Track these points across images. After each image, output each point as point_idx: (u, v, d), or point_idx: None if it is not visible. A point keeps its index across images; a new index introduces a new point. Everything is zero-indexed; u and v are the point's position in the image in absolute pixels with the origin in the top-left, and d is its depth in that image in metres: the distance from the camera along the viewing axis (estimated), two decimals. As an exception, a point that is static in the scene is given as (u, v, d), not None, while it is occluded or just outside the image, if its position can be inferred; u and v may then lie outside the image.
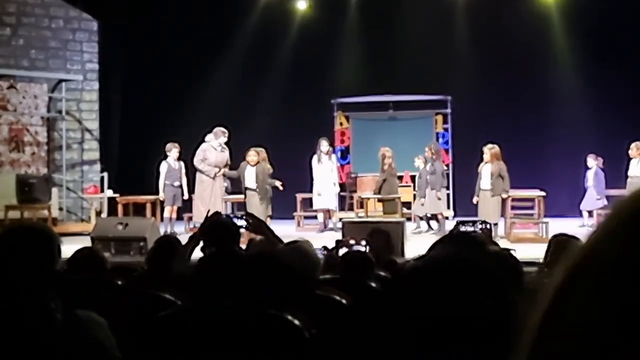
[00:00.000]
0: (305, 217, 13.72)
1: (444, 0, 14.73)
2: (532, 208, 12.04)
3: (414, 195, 13.11)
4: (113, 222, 10.64)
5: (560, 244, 4.57)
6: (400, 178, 13.53)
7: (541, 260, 5.12)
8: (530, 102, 14.56)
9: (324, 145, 12.87)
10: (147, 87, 14.89)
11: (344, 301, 3.47)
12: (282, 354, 2.61)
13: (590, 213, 12.85)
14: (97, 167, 14.56)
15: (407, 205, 13.30)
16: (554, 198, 12.47)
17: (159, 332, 2.78)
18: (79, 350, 2.14)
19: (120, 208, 12.54)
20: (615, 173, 12.23)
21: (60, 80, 14.16)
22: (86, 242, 8.48)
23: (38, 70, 14.02)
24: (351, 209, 14.21)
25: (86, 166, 14.67)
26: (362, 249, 6.51)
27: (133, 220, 10.73)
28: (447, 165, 14.84)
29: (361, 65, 15.32)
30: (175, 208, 12.48)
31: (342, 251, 5.74)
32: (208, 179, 12.17)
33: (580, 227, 11.90)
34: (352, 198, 14.35)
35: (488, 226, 9.36)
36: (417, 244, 9.74)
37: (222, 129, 12.27)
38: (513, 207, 11.69)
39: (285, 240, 4.18)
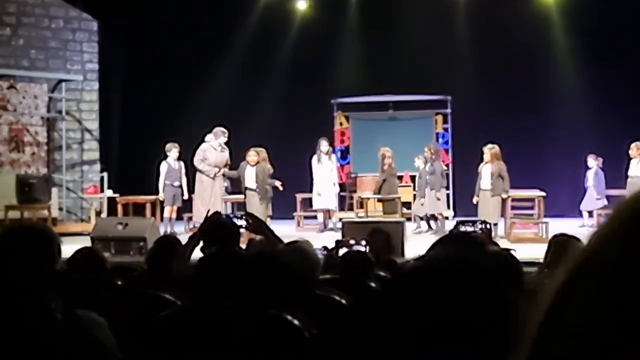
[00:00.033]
0: (305, 217, 13.72)
1: (444, 0, 14.73)
2: (532, 208, 12.04)
3: (414, 195, 13.11)
4: (113, 222, 10.64)
5: (560, 244, 4.58)
6: (400, 178, 13.53)
7: (541, 261, 5.12)
8: (530, 102, 14.56)
9: (323, 145, 12.87)
10: (147, 87, 14.89)
11: (343, 301, 3.47)
12: (282, 354, 2.61)
13: (590, 213, 12.85)
14: (97, 167, 14.56)
15: (407, 205, 13.30)
16: (554, 198, 12.47)
17: (159, 332, 2.78)
18: (79, 350, 2.14)
19: (120, 208, 12.54)
20: (616, 173, 12.23)
21: (60, 80, 14.16)
22: (86, 242, 8.48)
23: (38, 70, 14.03)
24: (351, 209, 14.21)
25: (86, 166, 14.67)
26: (362, 249, 6.50)
27: (133, 220, 10.73)
28: (447, 165, 14.84)
29: (361, 65, 15.32)
30: (175, 208, 12.48)
31: (342, 251, 5.74)
32: (208, 179, 12.17)
33: (580, 227, 11.90)
34: (352, 198, 14.35)
35: (488, 226, 9.36)
36: (417, 244, 9.74)
37: (222, 129, 12.27)
38: (513, 207, 11.69)
39: (285, 241, 4.18)
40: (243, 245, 5.06)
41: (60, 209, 13.95)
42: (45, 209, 12.07)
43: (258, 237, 5.03)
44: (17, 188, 11.96)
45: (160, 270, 4.19)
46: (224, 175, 12.29)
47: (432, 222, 12.30)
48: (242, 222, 4.84)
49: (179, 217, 12.85)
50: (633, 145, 11.73)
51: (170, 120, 14.38)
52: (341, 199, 14.26)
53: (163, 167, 12.45)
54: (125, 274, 4.67)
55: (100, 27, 14.69)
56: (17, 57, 13.97)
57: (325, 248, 6.43)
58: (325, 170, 12.84)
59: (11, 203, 11.87)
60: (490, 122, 13.93)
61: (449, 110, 15.23)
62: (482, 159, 11.59)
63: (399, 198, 12.20)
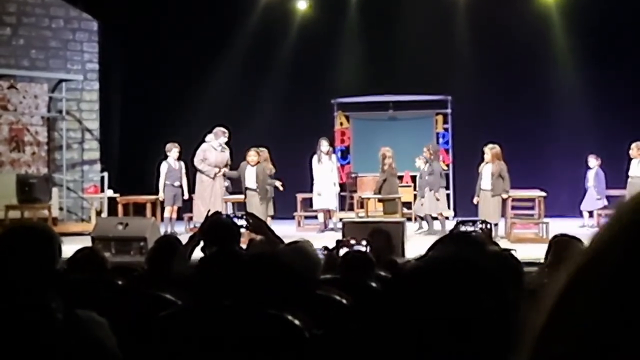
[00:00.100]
0: (306, 217, 13.73)
1: (444, 0, 14.73)
2: (532, 208, 12.04)
3: (415, 195, 13.12)
4: (113, 222, 10.65)
5: (560, 244, 4.57)
6: (401, 178, 13.53)
7: (542, 261, 5.12)
8: (530, 102, 14.56)
9: (324, 145, 12.87)
10: (147, 87, 14.90)
11: (344, 301, 3.48)
12: (282, 354, 2.61)
13: (590, 213, 12.85)
14: (98, 167, 14.56)
15: (408, 205, 13.30)
16: (554, 198, 12.47)
17: (159, 332, 2.78)
18: (80, 350, 2.14)
19: (120, 208, 12.54)
20: (616, 173, 12.23)
21: (61, 80, 14.17)
22: (86, 242, 8.48)
23: (38, 70, 14.03)
24: (351, 209, 14.21)
25: (86, 166, 14.68)
26: (363, 249, 6.50)
27: (133, 220, 10.74)
28: (448, 166, 14.85)
29: (361, 65, 15.32)
30: (175, 208, 12.49)
31: (343, 251, 5.73)
32: (208, 179, 12.17)
33: (580, 228, 11.89)
34: (352, 198, 14.35)
35: (488, 226, 9.36)
36: (417, 244, 9.74)
37: (222, 129, 12.28)
38: (513, 207, 11.69)
39: (286, 241, 4.18)
40: (244, 245, 5.06)
41: (61, 208, 13.95)
42: (45, 208, 12.08)
43: (258, 237, 5.03)
44: (18, 188, 11.97)
45: (161, 270, 4.19)
46: (224, 175, 12.30)
47: (429, 222, 12.27)
48: (243, 222, 4.83)
49: (180, 217, 12.86)
50: (633, 145, 11.73)
51: (170, 120, 14.38)
52: (341, 199, 14.27)
53: (163, 167, 12.46)
54: (125, 273, 4.67)
55: (101, 27, 14.69)
56: (17, 57, 13.98)
57: (325, 248, 6.42)
58: (325, 170, 12.84)
59: (11, 203, 11.88)
60: (491, 122, 13.93)
61: (449, 110, 15.22)
62: (482, 159, 11.59)
63: (399, 198, 12.20)
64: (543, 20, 14.66)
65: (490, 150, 11.40)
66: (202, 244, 4.18)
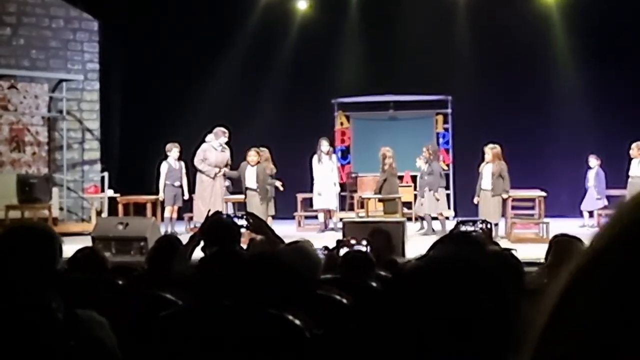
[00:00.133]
0: (306, 217, 13.73)
1: (444, 0, 14.73)
2: (532, 208, 12.04)
3: (415, 196, 13.12)
4: (113, 222, 10.65)
5: (561, 244, 4.57)
6: (401, 178, 13.53)
7: (542, 261, 5.12)
8: (530, 102, 14.56)
9: (324, 145, 12.88)
10: (147, 87, 14.90)
11: (344, 301, 3.48)
12: (283, 354, 2.61)
13: (590, 213, 12.85)
14: (98, 167, 14.56)
15: (408, 205, 13.30)
16: (554, 198, 12.47)
17: (159, 332, 2.78)
18: (80, 349, 2.15)
19: (120, 208, 12.54)
20: (616, 173, 12.23)
21: (61, 80, 14.17)
22: (87, 241, 8.48)
23: (39, 70, 14.03)
24: (352, 209, 14.21)
25: (87, 166, 14.68)
26: (363, 248, 6.50)
27: (133, 220, 10.75)
28: (448, 165, 14.85)
29: (362, 65, 15.32)
30: (175, 208, 12.49)
31: (343, 251, 5.74)
32: (208, 179, 12.18)
33: (580, 228, 11.89)
34: (352, 198, 14.35)
35: (488, 226, 9.35)
36: (417, 243, 9.75)
37: (223, 129, 12.28)
38: (514, 207, 11.69)
39: (286, 241, 4.18)
40: (244, 245, 5.06)
41: (61, 208, 13.95)
42: (45, 208, 12.08)
43: (259, 237, 5.04)
44: (18, 188, 11.97)
45: (161, 270, 4.19)
46: (224, 175, 12.30)
47: (427, 222, 12.25)
48: (243, 222, 4.84)
49: (180, 217, 12.86)
50: (634, 145, 11.74)
51: (170, 120, 14.38)
52: (342, 199, 14.27)
53: (163, 167, 12.46)
54: (126, 273, 4.67)
55: (101, 27, 14.69)
56: (17, 57, 13.98)
57: (326, 248, 6.43)
58: (325, 170, 12.84)
59: (12, 203, 11.88)
60: (491, 122, 13.93)
61: (449, 110, 15.22)
62: (483, 159, 11.59)
63: (400, 198, 12.20)
64: (543, 20, 14.66)
65: (491, 150, 11.40)
66: (202, 243, 4.18)
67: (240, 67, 15.10)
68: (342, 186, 14.31)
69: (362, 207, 12.72)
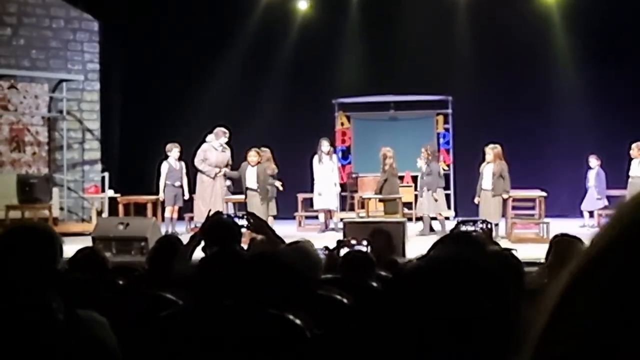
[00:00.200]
0: (307, 217, 13.73)
1: (444, 0, 14.74)
2: (533, 208, 12.04)
3: (415, 196, 13.11)
4: (114, 222, 10.66)
5: (561, 244, 4.57)
6: (401, 178, 13.53)
7: (542, 261, 5.12)
8: (530, 102, 14.56)
9: (324, 145, 12.88)
10: (147, 87, 14.90)
11: (345, 301, 3.48)
12: (283, 354, 2.61)
13: (591, 213, 12.85)
14: (98, 167, 14.57)
15: (408, 205, 13.30)
16: (554, 198, 12.47)
17: (160, 332, 2.78)
18: (81, 349, 2.15)
19: (121, 208, 12.54)
20: (616, 173, 12.23)
21: (61, 80, 14.17)
22: (87, 242, 8.49)
23: (39, 70, 14.04)
24: (352, 209, 14.21)
25: (87, 166, 14.68)
26: (363, 249, 6.50)
27: (134, 220, 10.76)
28: (448, 166, 14.86)
29: (362, 65, 15.32)
30: (176, 208, 12.50)
31: (344, 251, 5.74)
32: (208, 179, 12.18)
33: (581, 228, 11.89)
34: (353, 198, 14.35)
35: (489, 226, 9.35)
36: (418, 244, 9.75)
37: (223, 129, 12.29)
38: (514, 207, 11.69)
39: (287, 241, 4.18)
40: (244, 245, 5.06)
41: (61, 208, 13.96)
42: (46, 208, 12.09)
43: (259, 237, 5.04)
44: (18, 188, 11.97)
45: (162, 270, 4.19)
46: (224, 175, 12.31)
47: (424, 222, 12.24)
48: (244, 222, 4.84)
49: (181, 217, 12.86)
50: (634, 145, 11.74)
51: (171, 120, 14.38)
52: (342, 199, 14.27)
53: (164, 167, 12.46)
54: (126, 273, 4.67)
55: (101, 27, 14.70)
56: (18, 57, 13.98)
57: (326, 248, 6.42)
58: (326, 171, 12.85)
59: (12, 203, 11.88)
60: (491, 122, 13.93)
61: (450, 111, 15.22)
62: (483, 159, 11.59)
63: (400, 198, 12.20)
64: (543, 20, 14.66)
65: (492, 150, 11.40)
66: (203, 243, 4.18)
67: (240, 67, 15.10)
68: (343, 186, 14.30)
69: (362, 207, 12.72)
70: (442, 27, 14.76)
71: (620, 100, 13.95)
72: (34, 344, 2.12)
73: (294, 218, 13.50)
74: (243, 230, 4.58)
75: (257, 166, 11.56)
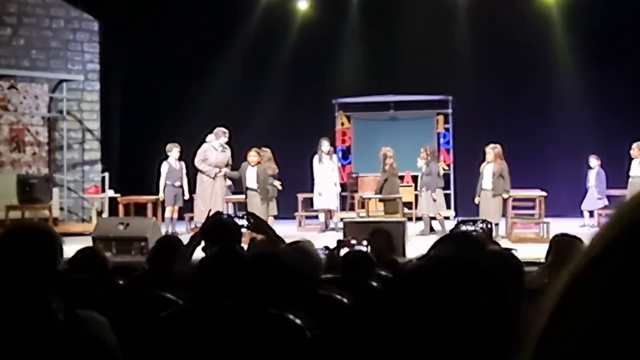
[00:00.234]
0: (307, 217, 13.74)
1: (444, 0, 14.74)
2: (533, 208, 12.04)
3: (416, 195, 13.11)
4: (114, 222, 10.66)
5: (561, 244, 4.57)
6: (402, 178, 13.54)
7: (542, 261, 5.12)
8: (530, 102, 14.56)
9: (325, 145, 12.88)
10: (147, 87, 14.90)
11: (345, 301, 3.48)
12: (283, 354, 2.61)
13: (591, 213, 12.85)
14: (98, 167, 14.57)
15: (408, 205, 13.30)
16: (554, 198, 12.47)
17: (160, 332, 2.78)
18: (81, 349, 2.15)
19: (121, 208, 12.54)
20: (616, 173, 12.23)
21: (61, 81, 14.17)
22: (87, 242, 8.49)
23: (39, 71, 14.04)
24: (352, 209, 14.21)
25: (87, 166, 14.68)
26: (364, 248, 6.51)
27: (134, 220, 10.76)
28: (449, 165, 14.86)
29: (362, 65, 15.32)
30: (176, 208, 12.50)
31: (344, 251, 5.74)
32: (208, 179, 12.18)
33: (581, 227, 11.89)
34: (353, 198, 14.35)
35: (489, 226, 9.35)
36: (418, 243, 9.75)
37: (223, 129, 12.29)
38: (514, 207, 11.69)
39: (287, 240, 4.18)
40: (244, 245, 5.06)
41: (62, 209, 13.96)
42: (46, 209, 12.09)
43: (259, 237, 5.04)
44: (18, 188, 11.97)
45: (162, 270, 4.19)
46: (225, 176, 12.31)
47: (425, 222, 12.24)
48: (244, 222, 4.84)
49: (181, 217, 12.87)
50: (634, 145, 11.74)
51: (171, 120, 14.38)
52: (342, 199, 14.27)
53: (164, 167, 12.46)
54: (126, 273, 4.67)
55: (101, 27, 14.70)
56: (18, 57, 13.98)
57: (326, 248, 6.42)
58: (326, 170, 12.85)
59: (12, 203, 11.88)
60: (491, 122, 13.93)
61: (450, 110, 15.22)
62: (483, 159, 11.59)
63: (400, 198, 12.20)
64: (543, 20, 14.66)
65: (493, 150, 11.40)
66: (203, 244, 4.18)
67: (240, 67, 15.10)
68: (343, 186, 14.31)
69: (362, 207, 12.72)
70: (442, 27, 14.76)
71: (620, 100, 13.95)
72: (34, 344, 2.12)
73: (294, 218, 13.50)
74: (243, 230, 4.58)
75: (257, 166, 11.56)
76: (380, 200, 12.33)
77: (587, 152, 12.96)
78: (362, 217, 12.14)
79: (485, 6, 14.27)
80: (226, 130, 12.29)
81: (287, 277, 2.89)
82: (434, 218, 12.18)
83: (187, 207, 12.73)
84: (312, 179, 13.06)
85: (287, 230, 9.74)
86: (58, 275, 2.33)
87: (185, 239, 4.66)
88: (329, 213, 13.15)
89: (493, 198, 11.26)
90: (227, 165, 12.33)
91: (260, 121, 14.68)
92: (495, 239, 8.30)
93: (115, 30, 14.87)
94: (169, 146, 12.51)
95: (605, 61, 14.00)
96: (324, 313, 3.01)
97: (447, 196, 13.59)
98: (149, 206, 12.32)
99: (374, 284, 4.22)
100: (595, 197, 12.64)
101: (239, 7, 15.00)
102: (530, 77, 14.52)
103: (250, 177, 11.55)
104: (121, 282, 4.24)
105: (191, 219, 12.84)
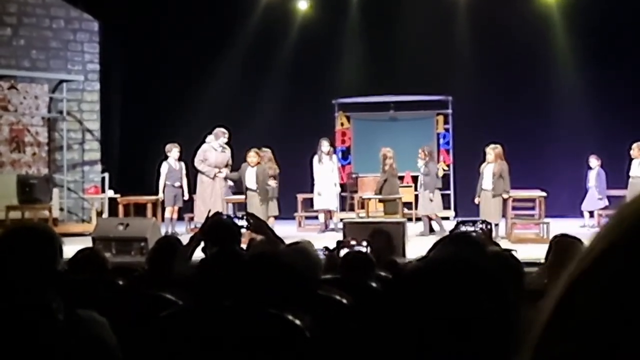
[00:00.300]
0: (307, 218, 13.73)
1: (444, 0, 14.74)
2: (533, 208, 12.03)
3: (416, 196, 13.11)
4: (114, 222, 10.66)
5: (561, 244, 4.57)
6: (401, 178, 13.53)
7: (542, 261, 5.12)
8: (530, 102, 14.56)
9: (324, 145, 12.88)
10: (147, 87, 14.90)
11: (345, 301, 3.48)
12: (283, 354, 2.61)
13: (591, 213, 12.85)
14: (98, 167, 14.56)
15: (408, 205, 13.30)
16: (554, 198, 12.47)
17: (159, 332, 2.78)
18: (80, 349, 2.15)
19: (121, 208, 12.53)
20: (617, 173, 12.23)
21: (61, 81, 14.17)
22: (87, 242, 8.49)
23: (39, 71, 14.04)
24: (352, 209, 14.22)
25: (87, 166, 14.68)
26: (363, 249, 6.50)
27: (134, 221, 10.75)
28: (448, 166, 14.86)
29: (362, 66, 15.33)
30: (176, 208, 12.50)
31: (343, 252, 5.74)
32: (208, 180, 12.18)
33: (581, 228, 11.90)
34: (352, 198, 14.35)
35: (489, 226, 9.34)
36: (418, 244, 9.75)
37: (223, 129, 12.29)
38: (514, 208, 11.68)
39: (287, 241, 4.18)
40: (244, 246, 5.06)
41: (61, 209, 13.95)
42: (46, 209, 12.08)
43: (259, 238, 5.04)
44: (18, 188, 11.97)
45: (162, 271, 4.19)
46: (224, 178, 12.31)
47: (424, 223, 12.23)
48: (243, 222, 4.84)
49: (181, 218, 12.86)
50: (634, 145, 11.74)
51: (170, 121, 14.38)
52: (342, 200, 14.27)
53: (164, 167, 12.46)
54: (126, 274, 4.67)
55: (101, 27, 14.70)
56: (18, 58, 13.98)
57: (326, 248, 6.43)
58: (326, 171, 12.85)
59: (12, 203, 11.88)
60: (491, 122, 13.93)
61: (450, 111, 15.22)
62: (483, 159, 11.58)
63: (400, 198, 12.20)
64: (543, 20, 14.66)
65: (493, 150, 11.40)
66: (202, 244, 4.19)
67: (240, 67, 15.10)
68: (343, 186, 14.31)
69: (362, 207, 12.72)
70: (442, 27, 14.76)
71: (620, 100, 13.95)
72: (34, 344, 2.12)
73: (294, 218, 13.50)
74: (243, 230, 4.58)
75: (257, 167, 11.56)
76: (380, 200, 12.33)
77: (587, 152, 12.96)
78: (361, 217, 12.14)
79: (485, 6, 14.27)
80: (225, 131, 12.28)
81: (287, 278, 2.89)
82: (432, 218, 12.18)
83: (186, 208, 12.73)
84: (312, 180, 13.06)
85: (287, 231, 9.75)
86: (58, 275, 2.33)
87: (185, 239, 4.67)
88: (328, 213, 13.15)
89: (493, 198, 11.25)
90: (226, 166, 12.32)
91: (260, 121, 14.68)
92: (495, 240, 8.30)
93: (115, 30, 14.87)
94: (168, 146, 12.51)
95: (605, 61, 14.00)
96: (323, 313, 3.01)
97: (447, 196, 13.60)
98: (149, 206, 12.31)
99: (374, 284, 4.22)
100: (595, 198, 12.64)
101: (239, 7, 15.00)
102: (530, 77, 14.53)
103: (250, 178, 11.55)
104: (121, 282, 4.24)
105: (191, 219, 12.84)
